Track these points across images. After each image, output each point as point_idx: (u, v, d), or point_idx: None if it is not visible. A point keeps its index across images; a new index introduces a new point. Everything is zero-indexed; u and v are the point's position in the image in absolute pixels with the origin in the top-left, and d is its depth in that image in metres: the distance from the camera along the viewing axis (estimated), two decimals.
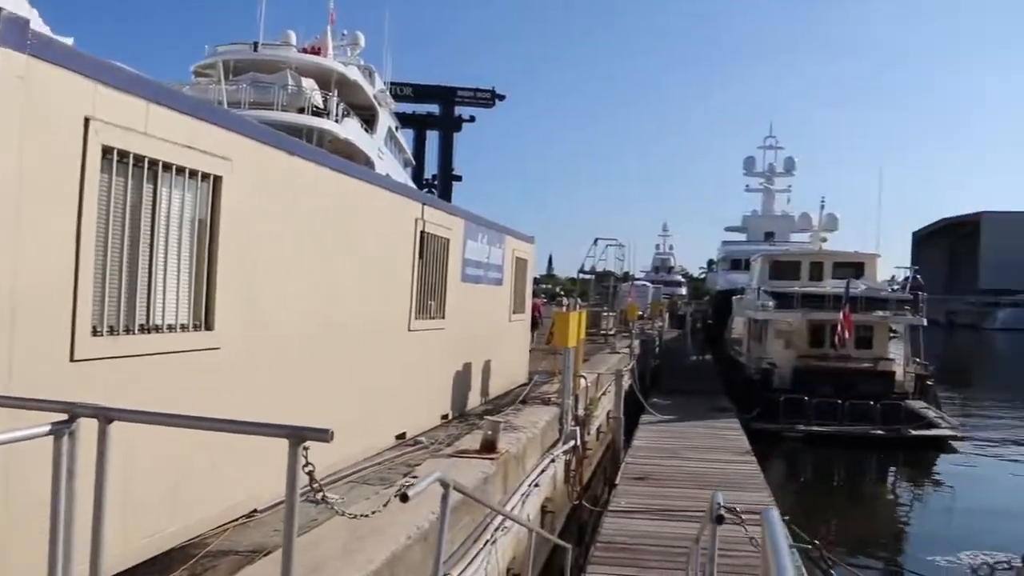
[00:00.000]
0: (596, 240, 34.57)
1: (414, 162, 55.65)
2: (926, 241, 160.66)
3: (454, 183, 67.55)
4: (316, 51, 36.01)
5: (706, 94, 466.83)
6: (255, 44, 33.44)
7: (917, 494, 21.51)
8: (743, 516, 5.44)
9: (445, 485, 5.04)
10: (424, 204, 11.08)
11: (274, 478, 3.15)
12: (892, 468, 23.96)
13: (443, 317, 11.80)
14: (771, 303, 28.86)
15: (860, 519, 18.44)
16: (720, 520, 5.45)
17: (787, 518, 11.47)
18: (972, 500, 19.93)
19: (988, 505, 19.24)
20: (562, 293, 39.63)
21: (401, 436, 10.39)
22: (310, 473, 2.95)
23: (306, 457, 2.91)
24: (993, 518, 17.74)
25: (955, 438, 25.43)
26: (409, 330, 10.58)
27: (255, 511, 6.72)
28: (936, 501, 20.56)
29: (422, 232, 10.79)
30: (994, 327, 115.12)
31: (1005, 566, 4.31)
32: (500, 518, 8.63)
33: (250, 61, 32.31)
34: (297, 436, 2.90)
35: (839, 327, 26.43)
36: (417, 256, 10.69)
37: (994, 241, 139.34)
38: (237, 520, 6.54)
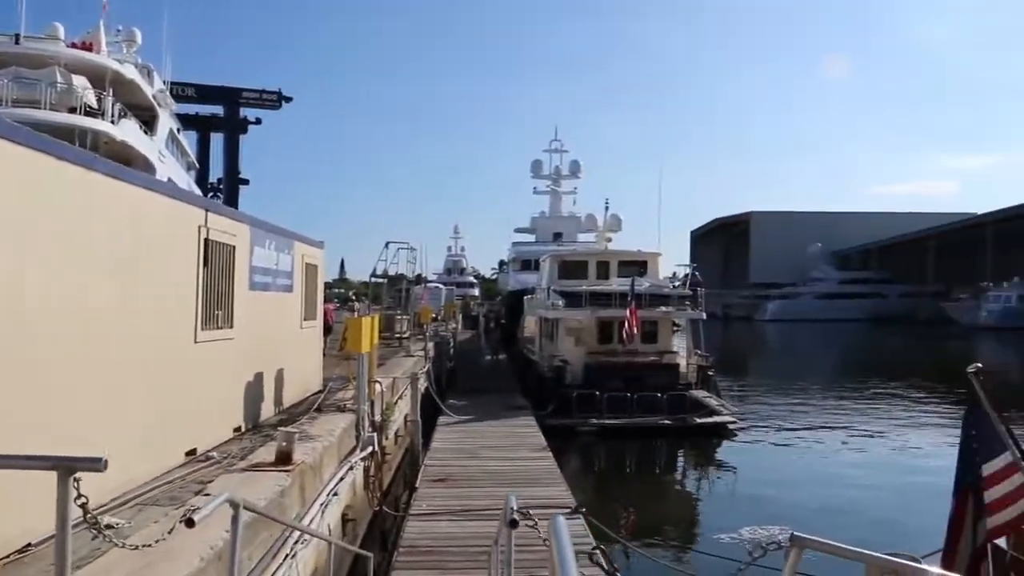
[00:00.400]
0: (387, 244, 34.31)
1: (198, 165, 53.41)
2: (703, 239, 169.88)
3: (241, 187, 65.40)
4: (88, 47, 33.72)
5: (495, 97, 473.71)
6: (16, 36, 30.88)
7: (703, 478, 22.61)
8: (538, 515, 5.53)
9: (235, 505, 4.83)
10: (207, 210, 10.61)
11: (49, 508, 2.88)
12: (680, 455, 25.00)
13: (231, 327, 11.35)
14: (561, 302, 29.58)
15: (653, 505, 19.20)
16: (514, 524, 5.52)
17: (583, 510, 11.82)
18: (751, 480, 21.19)
19: (765, 483, 20.58)
20: (355, 297, 39.14)
21: (192, 452, 9.91)
22: (83, 506, 2.70)
23: (78, 488, 2.66)
24: (769, 495, 19.01)
25: (734, 424, 26.95)
26: (195, 342, 10.10)
27: (29, 545, 6.21)
28: (720, 483, 21.71)
29: (206, 240, 10.33)
30: (765, 318, 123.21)
31: (776, 546, 4.71)
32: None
33: (12, 55, 29.84)
34: (66, 467, 2.63)
35: (626, 323, 27.42)
36: (201, 265, 10.22)
37: (762, 239, 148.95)
38: (9, 557, 6.03)
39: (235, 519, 4.84)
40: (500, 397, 27.61)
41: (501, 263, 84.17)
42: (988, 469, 6.33)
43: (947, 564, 6.40)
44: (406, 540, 11.71)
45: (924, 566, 4.18)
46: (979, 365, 6.36)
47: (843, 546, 3.82)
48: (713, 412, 26.63)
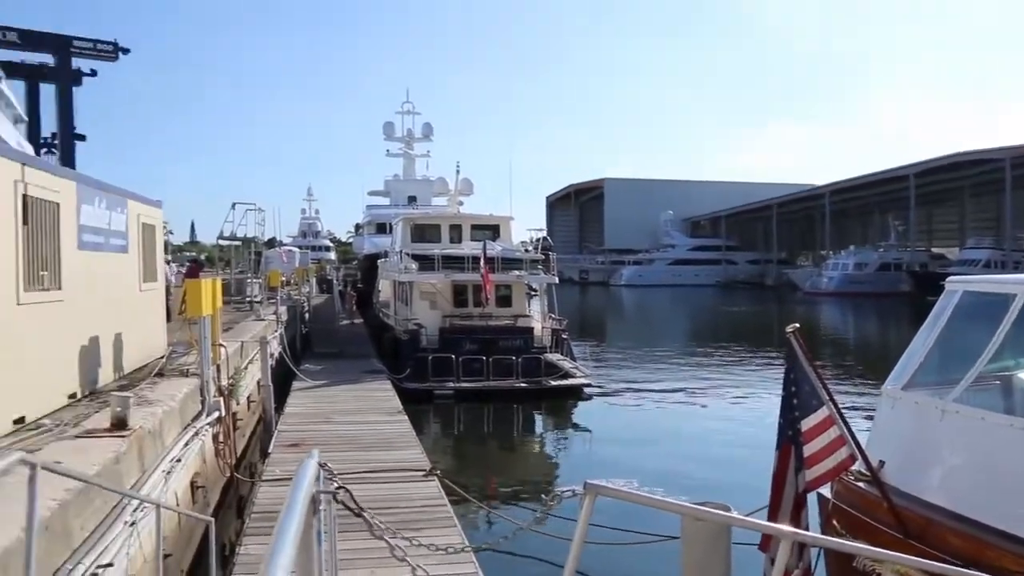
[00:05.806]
0: (234, 205, 32.97)
1: (26, 118, 50.06)
2: (559, 205, 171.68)
3: (78, 143, 61.57)
4: None
5: (345, 58, 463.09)
6: None
7: (559, 439, 22.87)
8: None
9: (31, 465, 4.37)
10: (24, 164, 9.76)
11: None
12: (537, 417, 25.19)
13: (60, 288, 10.59)
14: (414, 265, 29.33)
15: (509, 467, 19.46)
16: None
17: (438, 472, 11.68)
18: (605, 439, 21.68)
19: (618, 442, 21.13)
20: (196, 261, 37.50)
21: (20, 420, 9.24)
22: None
23: None
24: (622, 453, 19.62)
25: (588, 386, 27.29)
26: (19, 304, 9.36)
27: None
28: (575, 442, 22.14)
29: (25, 196, 9.51)
30: (620, 284, 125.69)
31: (571, 494, 4.93)
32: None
33: None
34: None
35: (483, 287, 27.45)
36: (20, 223, 9.43)
37: (615, 205, 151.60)
38: None
39: (32, 480, 4.38)
40: (355, 361, 27.30)
41: (357, 226, 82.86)
42: (807, 424, 6.49)
43: (772, 516, 6.55)
44: (258, 506, 11.36)
45: (725, 513, 4.22)
46: (797, 325, 6.49)
47: (638, 493, 3.79)
48: (567, 375, 26.86)
